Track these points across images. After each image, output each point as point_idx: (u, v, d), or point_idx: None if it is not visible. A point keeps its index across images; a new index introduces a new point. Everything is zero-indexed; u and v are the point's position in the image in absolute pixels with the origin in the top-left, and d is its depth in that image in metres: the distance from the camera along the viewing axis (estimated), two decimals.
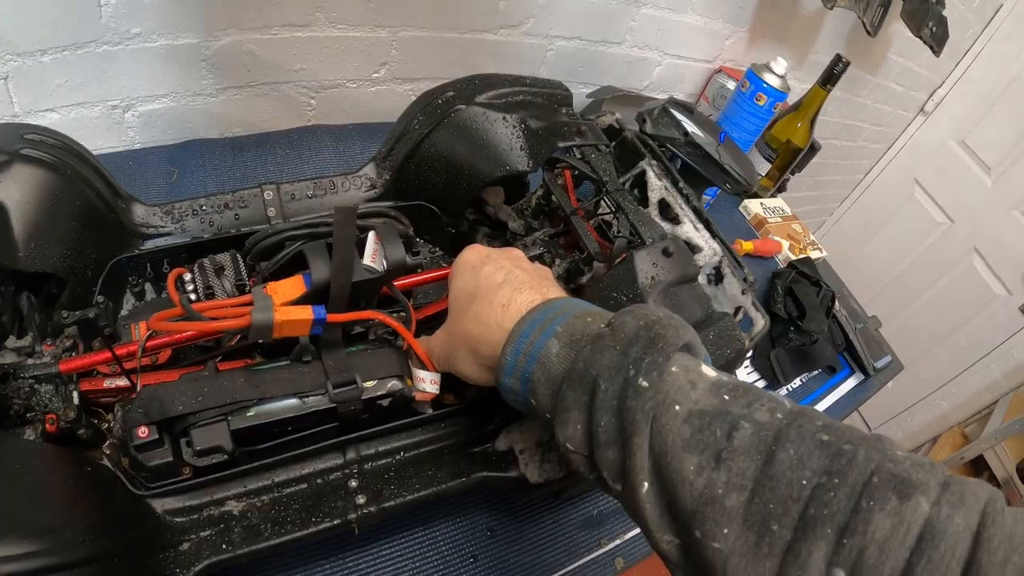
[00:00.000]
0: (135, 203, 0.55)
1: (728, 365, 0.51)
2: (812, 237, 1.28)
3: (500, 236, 0.66)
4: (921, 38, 1.45)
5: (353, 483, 0.44)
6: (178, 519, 0.42)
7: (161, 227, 0.54)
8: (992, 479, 2.06)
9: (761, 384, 0.91)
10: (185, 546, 0.40)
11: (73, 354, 0.46)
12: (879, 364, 1.08)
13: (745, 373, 0.90)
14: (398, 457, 0.47)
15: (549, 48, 1.02)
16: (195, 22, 0.72)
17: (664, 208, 0.65)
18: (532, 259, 0.59)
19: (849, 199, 2.60)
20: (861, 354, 1.05)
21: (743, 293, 0.58)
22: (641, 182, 0.67)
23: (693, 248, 0.60)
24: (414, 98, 0.66)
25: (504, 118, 0.58)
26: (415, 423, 0.48)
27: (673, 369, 0.31)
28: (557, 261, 0.61)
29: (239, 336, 0.49)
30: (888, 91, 1.94)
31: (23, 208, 0.45)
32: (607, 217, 0.67)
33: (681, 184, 0.65)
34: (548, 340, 0.34)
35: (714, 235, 0.61)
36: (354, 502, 0.43)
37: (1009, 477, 1.99)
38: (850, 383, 1.04)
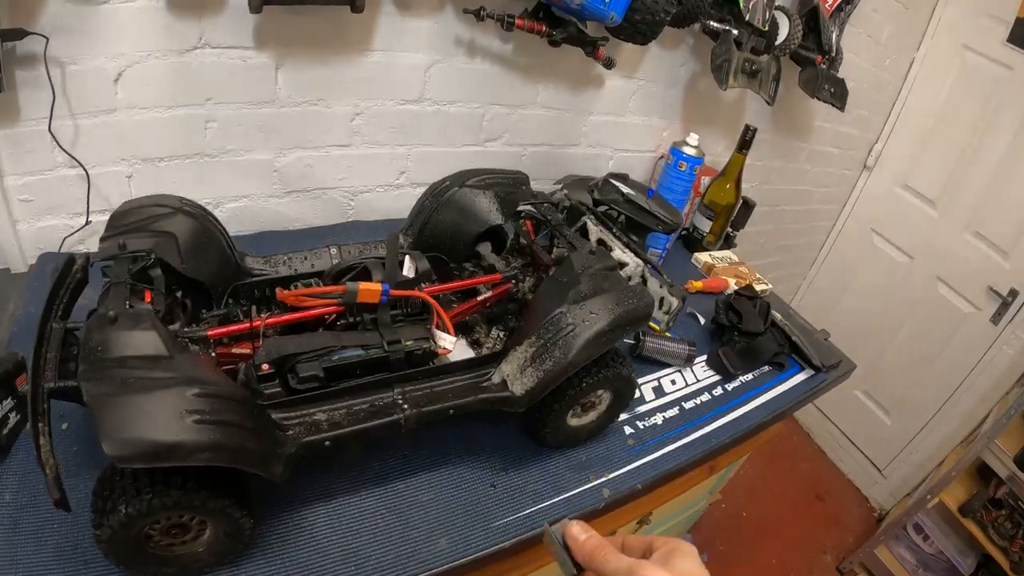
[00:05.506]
0: (245, 255, 0.83)
1: (639, 311, 0.75)
2: (758, 275, 1.48)
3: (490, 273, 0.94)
4: (819, 98, 1.65)
5: (400, 400, 0.68)
6: (285, 423, 0.65)
7: (262, 269, 0.82)
8: (999, 483, 2.05)
9: (716, 379, 1.11)
10: (291, 432, 0.63)
11: None
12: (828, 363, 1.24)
13: (702, 370, 1.12)
14: (428, 390, 0.71)
15: (523, 154, 1.36)
16: (272, 141, 1.04)
17: (602, 244, 0.94)
18: (509, 279, 0.87)
19: (818, 260, 2.83)
20: (806, 351, 1.21)
21: (661, 287, 0.86)
22: (585, 231, 0.96)
23: (621, 264, 0.87)
24: None
25: (484, 192, 0.90)
26: (439, 369, 0.72)
27: None
28: (528, 278, 0.88)
29: (334, 317, 0.74)
30: (827, 155, 2.22)
31: (185, 239, 0.73)
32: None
33: (612, 228, 0.95)
34: None
35: (637, 255, 0.89)
36: (401, 408, 0.67)
37: (1012, 474, 1.98)
38: (800, 377, 1.20)
